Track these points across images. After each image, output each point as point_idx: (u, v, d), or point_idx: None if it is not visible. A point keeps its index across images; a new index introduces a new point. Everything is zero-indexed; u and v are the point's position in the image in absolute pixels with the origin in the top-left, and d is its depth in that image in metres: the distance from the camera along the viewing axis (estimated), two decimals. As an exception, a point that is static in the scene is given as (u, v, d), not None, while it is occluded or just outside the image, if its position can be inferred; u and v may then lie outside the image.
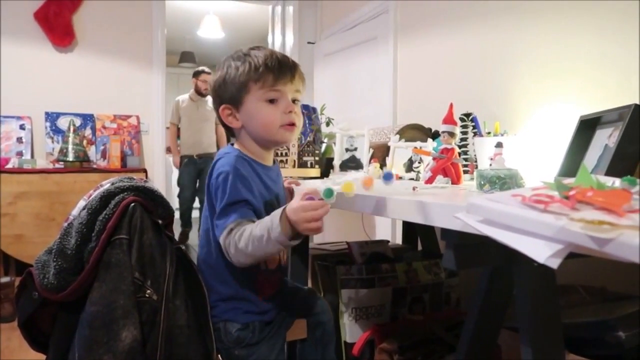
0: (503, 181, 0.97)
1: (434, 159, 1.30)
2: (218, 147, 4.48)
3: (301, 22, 3.84)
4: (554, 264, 0.50)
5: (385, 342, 1.47)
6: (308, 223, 0.87)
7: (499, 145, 1.16)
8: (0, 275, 2.88)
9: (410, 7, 2.62)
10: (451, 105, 1.33)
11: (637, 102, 0.96)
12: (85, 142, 3.39)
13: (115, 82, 3.55)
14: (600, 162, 1.05)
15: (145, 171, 3.41)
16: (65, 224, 1.00)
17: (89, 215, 0.96)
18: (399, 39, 2.71)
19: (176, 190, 5.14)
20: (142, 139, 3.65)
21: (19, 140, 3.30)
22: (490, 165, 1.24)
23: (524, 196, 0.58)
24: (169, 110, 4.08)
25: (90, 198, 1.00)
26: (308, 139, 1.87)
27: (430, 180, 1.27)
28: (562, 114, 1.66)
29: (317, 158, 1.86)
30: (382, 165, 1.83)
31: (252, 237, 0.93)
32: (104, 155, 3.42)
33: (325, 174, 1.94)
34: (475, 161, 1.52)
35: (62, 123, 3.38)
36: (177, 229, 5.30)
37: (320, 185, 0.92)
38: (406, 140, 1.81)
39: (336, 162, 1.97)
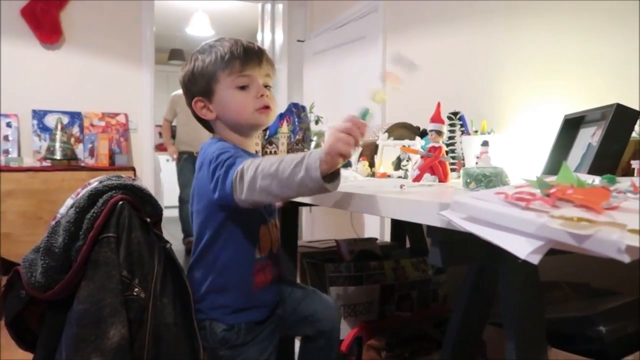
0: (489, 179, 0.98)
1: (421, 157, 1.31)
2: None
3: (291, 20, 3.84)
4: (535, 260, 0.52)
5: (373, 339, 1.48)
6: (340, 141, 0.81)
7: (485, 143, 1.17)
8: (-13, 274, 2.85)
9: (399, 6, 2.63)
10: (439, 104, 1.34)
11: (620, 102, 0.98)
12: (73, 140, 3.36)
13: (103, 80, 3.53)
14: (583, 160, 1.06)
15: (133, 169, 3.39)
16: (53, 223, 1.00)
17: (76, 214, 0.96)
18: (388, 38, 2.72)
19: (167, 188, 5.10)
20: (130, 137, 3.63)
21: (6, 138, 3.26)
22: (477, 163, 1.26)
23: (507, 194, 0.59)
24: (159, 108, 4.02)
25: (78, 196, 1.00)
26: (297, 137, 1.87)
27: (417, 179, 1.28)
28: (547, 113, 1.68)
29: (306, 156, 1.87)
30: (371, 163, 1.84)
31: (281, 159, 0.87)
32: (92, 153, 3.39)
33: (314, 172, 1.94)
34: (463, 159, 1.54)
35: (50, 121, 3.35)
36: (170, 231, 5.28)
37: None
38: (395, 139, 1.82)
39: (325, 161, 1.98)
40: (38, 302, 0.97)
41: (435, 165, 1.28)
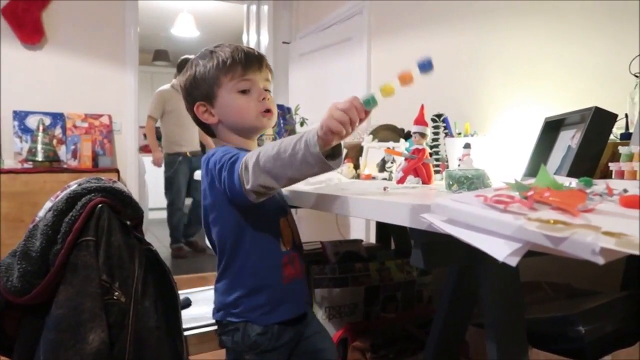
0: (471, 181, 0.99)
1: (405, 159, 1.31)
2: (202, 144, 4.20)
3: (276, 22, 3.84)
4: (513, 262, 0.52)
5: (358, 341, 1.48)
6: (333, 119, 0.81)
7: (467, 146, 1.18)
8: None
9: (384, 8, 2.64)
10: (422, 107, 1.35)
11: (599, 105, 0.99)
12: (55, 141, 3.31)
13: (86, 81, 3.49)
14: (563, 162, 1.07)
15: (117, 171, 3.36)
16: (31, 226, 0.99)
17: (54, 217, 0.94)
18: (373, 40, 2.73)
19: (152, 189, 5.03)
20: (114, 139, 3.59)
21: (-14, 139, 3.21)
22: (459, 165, 1.26)
23: (486, 197, 0.60)
24: (143, 110, 3.93)
25: (57, 199, 0.99)
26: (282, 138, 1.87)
27: (401, 181, 1.28)
28: (529, 115, 1.70)
29: (291, 158, 1.86)
30: (356, 165, 1.84)
31: (282, 140, 0.88)
32: (74, 155, 3.35)
33: (299, 174, 1.94)
34: (447, 161, 1.55)
35: (31, 122, 3.30)
36: (156, 234, 5.23)
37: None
38: (379, 141, 1.82)
39: (310, 162, 1.98)
40: (15, 306, 0.96)
41: (419, 167, 1.28)
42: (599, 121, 0.98)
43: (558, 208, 0.52)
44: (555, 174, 1.03)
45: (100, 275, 0.94)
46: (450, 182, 1.01)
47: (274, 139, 1.81)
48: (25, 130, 3.29)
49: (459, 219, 0.60)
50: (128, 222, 1.05)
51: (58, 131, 3.38)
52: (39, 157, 3.11)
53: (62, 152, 3.36)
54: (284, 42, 3.77)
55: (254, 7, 4.06)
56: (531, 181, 0.63)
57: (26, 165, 3.11)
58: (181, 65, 3.73)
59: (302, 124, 2.27)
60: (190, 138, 4.02)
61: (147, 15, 5.21)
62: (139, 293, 1.00)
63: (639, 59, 1.27)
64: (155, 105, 4.00)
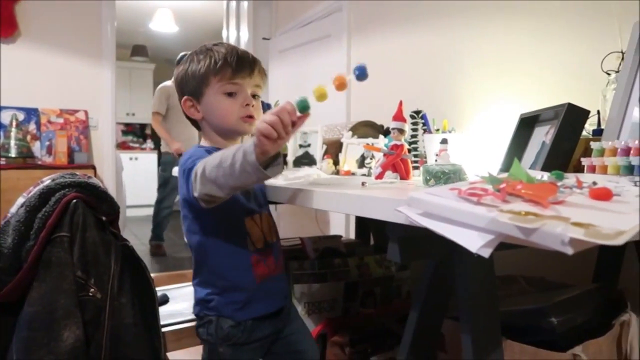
0: (447, 176, 1.00)
1: (384, 155, 1.32)
2: None
3: (256, 18, 3.82)
4: (486, 253, 0.53)
5: (337, 336, 1.49)
6: (264, 121, 0.81)
7: (444, 141, 1.20)
8: None
9: (363, 6, 2.65)
10: (400, 103, 1.36)
11: (572, 101, 1.01)
12: (29, 137, 3.24)
13: (61, 75, 3.41)
14: (538, 158, 1.09)
15: (94, 168, 3.30)
16: (3, 222, 0.96)
17: (27, 213, 0.93)
18: (352, 38, 2.74)
19: (129, 187, 4.96)
20: (90, 135, 3.53)
21: (-44, 135, 3.12)
22: (436, 160, 1.28)
23: (460, 190, 0.61)
24: (120, 106, 3.86)
25: (29, 195, 0.97)
26: (261, 135, 1.86)
27: (380, 176, 1.29)
28: (505, 112, 1.72)
29: (270, 154, 1.86)
30: (335, 161, 1.85)
31: (225, 150, 0.89)
32: (49, 151, 3.28)
33: (278, 170, 1.94)
34: (425, 157, 1.56)
35: (4, 117, 3.22)
36: (134, 231, 5.15)
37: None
38: (359, 137, 1.83)
39: (290, 158, 1.98)
40: (-13, 304, 0.94)
41: (398, 163, 1.29)
42: (571, 117, 1.00)
43: (530, 200, 0.53)
44: (530, 169, 1.05)
45: (75, 272, 0.93)
46: (428, 177, 1.02)
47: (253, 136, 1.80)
48: (-3, 125, 3.22)
49: (434, 212, 0.61)
50: (104, 218, 1.03)
51: (32, 127, 3.31)
52: (12, 154, 3.04)
53: (37, 148, 3.29)
54: (264, 38, 3.75)
55: (233, 3, 4.03)
56: (505, 175, 0.65)
57: (-1, 162, 3.04)
58: (180, 62, 3.64)
59: (281, 120, 2.26)
60: (190, 135, 3.88)
61: (124, 9, 5.12)
62: (115, 289, 0.99)
63: (611, 57, 1.30)
64: (160, 101, 3.87)
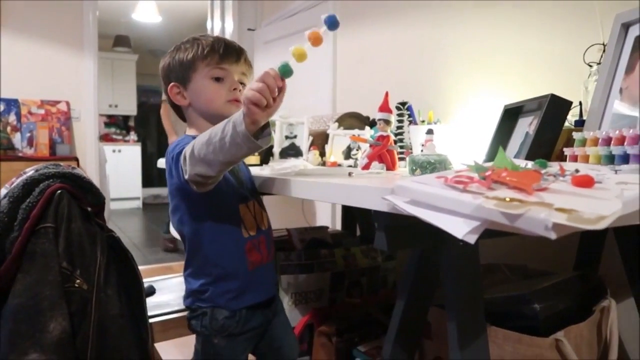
0: (433, 166, 1.01)
1: (370, 146, 1.33)
2: None
3: (241, 9, 3.78)
4: (472, 239, 0.54)
5: (324, 325, 1.50)
6: (250, 89, 0.83)
7: (430, 132, 1.21)
8: None
9: (349, -4, 2.65)
10: (386, 94, 1.36)
11: (555, 93, 1.03)
12: (9, 128, 3.18)
13: (42, 66, 3.35)
14: (521, 148, 1.11)
15: (76, 160, 3.26)
16: (-15, 214, 0.95)
17: (10, 204, 0.91)
18: (338, 29, 2.73)
19: (112, 179, 4.91)
20: (73, 126, 3.47)
21: None
22: (422, 151, 1.29)
23: (447, 178, 0.61)
24: (103, 97, 3.81)
25: (12, 185, 0.95)
26: (247, 126, 1.85)
27: (366, 167, 1.30)
28: (490, 103, 1.74)
29: (256, 145, 1.85)
30: (322, 152, 1.85)
31: (213, 128, 0.90)
32: (30, 142, 3.23)
33: (265, 161, 1.94)
34: (411, 148, 1.57)
35: (-17, 108, 3.16)
36: (118, 225, 5.10)
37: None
38: (345, 128, 1.83)
39: (276, 150, 1.98)
40: (-30, 297, 0.93)
41: (384, 154, 1.30)
42: (554, 108, 1.01)
43: (514, 187, 0.54)
44: (514, 158, 1.07)
45: (60, 263, 0.92)
46: (414, 167, 1.03)
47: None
48: (-24, 117, 3.15)
49: (420, 200, 0.61)
50: (89, 209, 1.02)
51: (12, 118, 3.25)
52: (-8, 145, 2.99)
53: (17, 139, 3.23)
54: (249, 29, 3.72)
55: (218, -7, 3.98)
56: (490, 164, 0.66)
57: (-22, 154, 2.98)
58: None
59: (267, 112, 2.25)
60: None
61: (106, -1, 5.03)
62: (102, 280, 0.98)
63: (593, 49, 1.32)
64: None
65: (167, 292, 1.53)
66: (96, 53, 3.55)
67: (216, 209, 1.06)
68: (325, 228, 2.00)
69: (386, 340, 0.96)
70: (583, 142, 0.91)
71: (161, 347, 1.62)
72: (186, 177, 0.93)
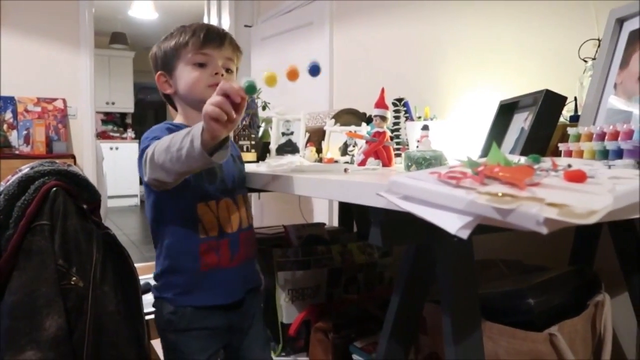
0: (429, 162, 1.01)
1: (366, 142, 1.33)
2: None
3: (237, 5, 3.77)
4: (464, 234, 0.54)
5: (320, 322, 1.51)
6: (209, 103, 0.79)
7: (425, 128, 1.21)
8: None
9: (346, -8, 2.64)
10: (382, 90, 1.36)
11: (550, 88, 1.03)
12: (5, 126, 3.17)
13: (38, 63, 3.33)
14: (517, 144, 1.11)
15: (73, 157, 3.25)
16: (-20, 211, 0.95)
17: (5, 201, 0.91)
18: (335, 25, 2.73)
19: (111, 177, 4.90)
20: (69, 124, 3.46)
21: None
22: (417, 147, 1.29)
23: (440, 173, 0.62)
24: (99, 94, 3.82)
25: (7, 183, 0.95)
26: (244, 122, 1.85)
27: (362, 163, 1.30)
28: (485, 99, 1.74)
29: (253, 142, 1.86)
30: (318, 149, 1.85)
31: (175, 134, 0.88)
32: (27, 140, 3.22)
33: (261, 157, 1.94)
34: (407, 144, 1.57)
35: (-21, 106, 3.15)
36: (116, 222, 5.10)
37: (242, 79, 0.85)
38: (341, 125, 1.84)
39: (272, 146, 1.97)
40: (-34, 294, 0.93)
41: (380, 150, 1.31)
42: (549, 104, 1.02)
43: (507, 182, 0.54)
44: (509, 154, 1.07)
45: (56, 260, 0.92)
46: (409, 163, 1.03)
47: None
48: (-28, 114, 3.14)
49: (414, 195, 0.61)
50: (85, 206, 1.02)
51: (8, 115, 3.24)
52: (-11, 143, 2.97)
53: (14, 137, 3.22)
54: (245, 26, 3.71)
55: (214, -10, 3.97)
56: (484, 159, 0.66)
57: (-25, 152, 2.97)
58: None
59: (264, 108, 2.25)
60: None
61: (102, -5, 5.01)
62: (98, 277, 0.98)
63: (588, 44, 1.32)
64: None
65: (164, 289, 1.53)
66: (92, 50, 3.53)
67: (174, 205, 1.06)
68: (322, 225, 2.00)
69: (382, 336, 0.97)
70: (578, 138, 0.91)
71: (158, 343, 1.63)
72: (145, 179, 0.95)
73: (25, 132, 3.23)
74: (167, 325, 1.06)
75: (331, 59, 2.76)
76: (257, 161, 1.87)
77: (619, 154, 0.80)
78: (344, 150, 1.77)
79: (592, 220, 0.46)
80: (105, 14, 5.78)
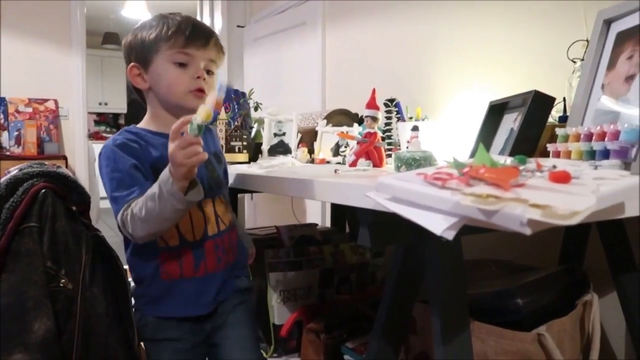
0: (418, 162, 1.02)
1: (357, 143, 1.33)
2: None
3: (230, 6, 3.77)
4: (450, 235, 0.54)
5: (312, 322, 1.51)
6: (190, 158, 0.85)
7: (415, 128, 1.21)
8: None
9: (338, -7, 2.65)
10: (373, 91, 1.37)
11: (539, 89, 1.03)
12: (-4, 127, 3.16)
13: (29, 64, 3.32)
14: (506, 144, 1.12)
15: (65, 158, 3.24)
16: (-32, 213, 0.94)
17: (-7, 203, 0.91)
18: (328, 26, 2.74)
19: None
20: (61, 125, 3.45)
21: None
22: (407, 147, 1.30)
23: (426, 174, 0.62)
24: (92, 95, 3.81)
25: (-4, 185, 0.95)
26: (236, 123, 1.85)
27: (353, 164, 1.30)
28: (476, 99, 1.75)
29: (245, 143, 1.85)
30: (310, 150, 1.85)
31: (145, 198, 0.90)
32: (18, 141, 3.20)
33: (253, 158, 1.94)
34: (399, 145, 1.58)
35: (-31, 107, 3.13)
36: (108, 223, 5.07)
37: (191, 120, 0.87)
38: (333, 125, 1.84)
39: (265, 147, 1.97)
40: (-47, 297, 0.92)
41: (371, 151, 1.31)
42: (538, 104, 1.02)
43: (492, 183, 0.55)
44: (499, 155, 1.07)
45: (45, 262, 0.92)
46: (399, 164, 1.04)
47: (227, 123, 1.79)
48: (-37, 115, 3.12)
49: (401, 196, 0.62)
50: (74, 208, 1.02)
51: (-1, 117, 3.22)
52: (-21, 144, 2.96)
53: (5, 138, 3.20)
54: (238, 26, 3.71)
55: (207, -10, 3.96)
56: (471, 160, 0.66)
57: (-35, 153, 2.95)
58: None
59: (256, 109, 2.25)
60: None
61: (94, -5, 4.98)
62: (87, 280, 0.98)
63: (577, 45, 1.33)
64: None
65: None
66: (84, 50, 3.52)
67: None
68: (314, 225, 2.00)
69: (372, 336, 0.97)
70: (566, 138, 0.92)
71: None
72: (129, 233, 0.95)
73: (16, 133, 3.21)
74: (139, 332, 1.07)
75: (324, 59, 2.76)
76: (249, 162, 1.86)
77: (606, 154, 0.80)
78: (336, 151, 1.77)
79: (574, 221, 0.46)
80: (98, 14, 5.75)
